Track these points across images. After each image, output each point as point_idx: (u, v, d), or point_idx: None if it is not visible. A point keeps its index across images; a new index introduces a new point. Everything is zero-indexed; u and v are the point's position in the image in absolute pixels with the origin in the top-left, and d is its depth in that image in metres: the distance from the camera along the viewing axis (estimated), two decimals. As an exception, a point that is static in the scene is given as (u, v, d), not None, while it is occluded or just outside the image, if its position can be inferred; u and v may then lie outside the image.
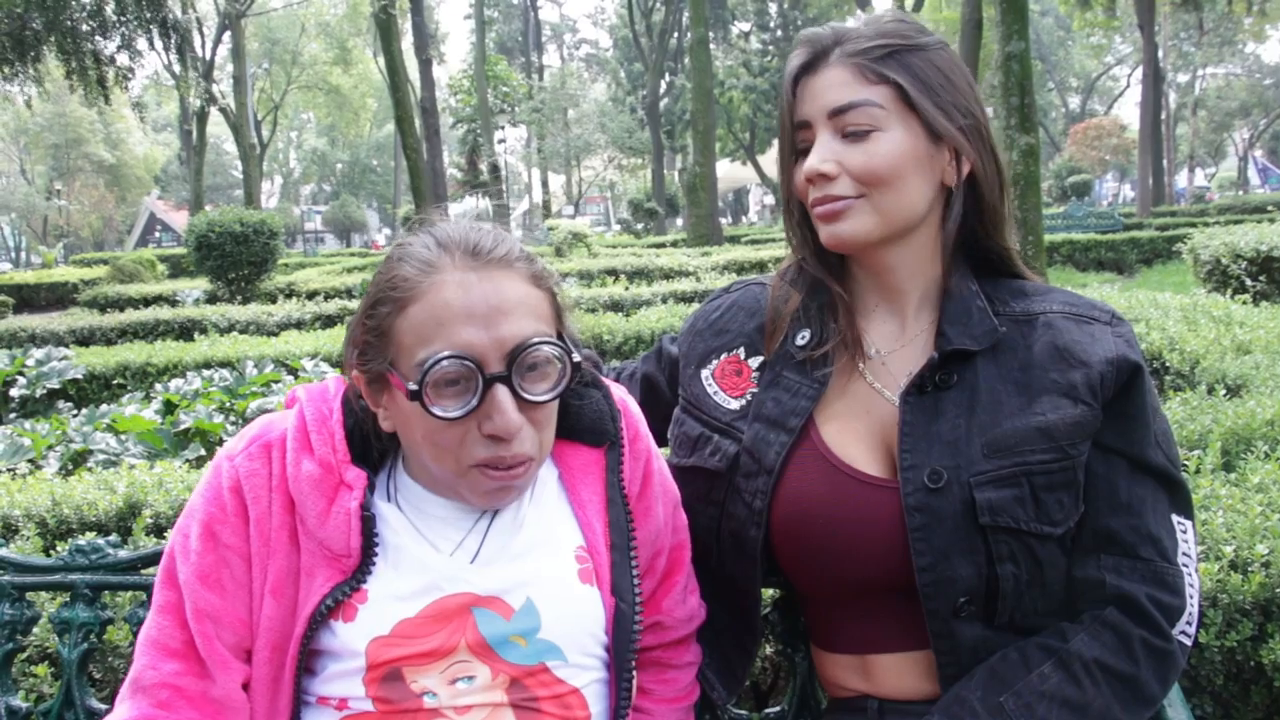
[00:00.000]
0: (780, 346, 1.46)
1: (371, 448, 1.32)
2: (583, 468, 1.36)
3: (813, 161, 1.36)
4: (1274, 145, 62.24)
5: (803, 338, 1.44)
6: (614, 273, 14.17)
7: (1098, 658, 1.26)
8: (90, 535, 2.29)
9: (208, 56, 40.02)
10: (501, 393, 1.17)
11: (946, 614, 1.29)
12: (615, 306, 9.34)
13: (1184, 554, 1.32)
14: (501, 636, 1.23)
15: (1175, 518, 1.33)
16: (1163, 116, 39.49)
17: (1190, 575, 1.32)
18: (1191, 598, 1.31)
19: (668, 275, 13.92)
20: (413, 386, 1.15)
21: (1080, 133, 50.94)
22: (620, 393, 1.43)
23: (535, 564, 1.27)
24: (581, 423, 1.37)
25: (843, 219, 1.36)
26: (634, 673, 1.34)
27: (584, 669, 1.29)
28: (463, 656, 1.22)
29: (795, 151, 1.41)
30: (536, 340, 1.18)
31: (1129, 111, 66.64)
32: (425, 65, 27.59)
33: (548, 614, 1.25)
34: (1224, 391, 3.36)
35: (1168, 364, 4.15)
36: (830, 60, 1.36)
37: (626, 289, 10.74)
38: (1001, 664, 1.28)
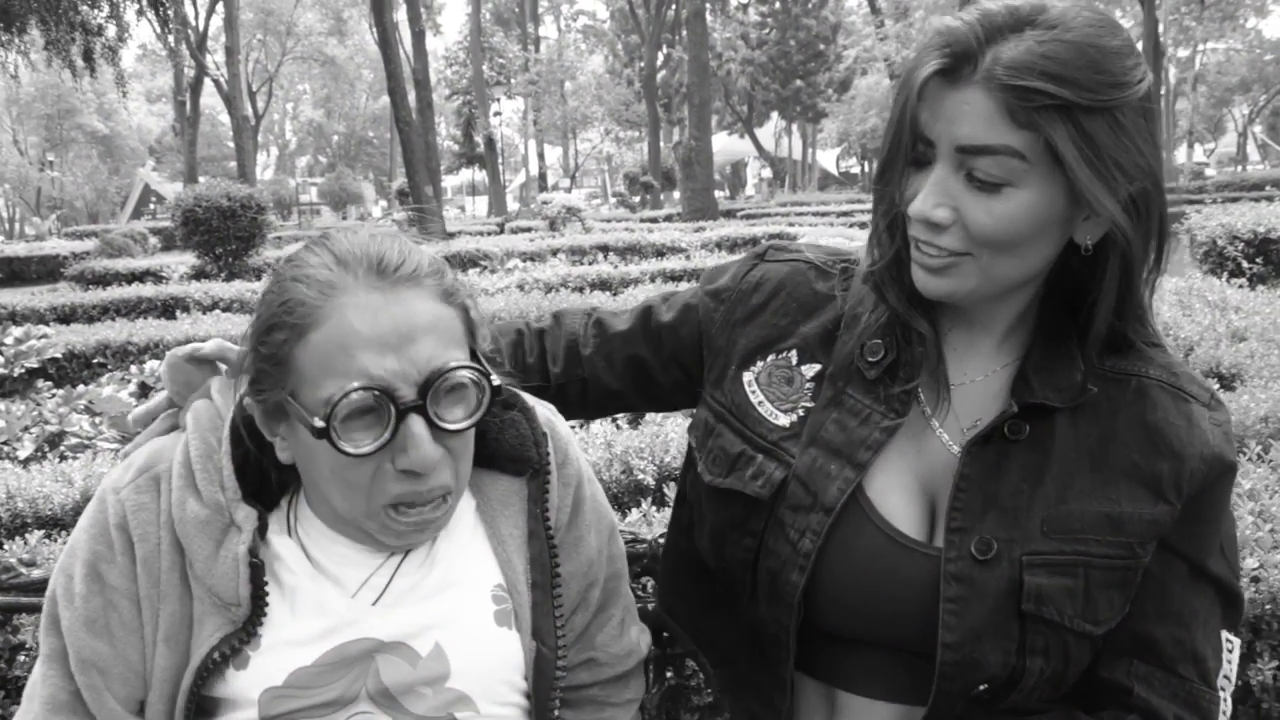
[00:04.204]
0: (844, 356, 1.23)
1: (270, 479, 1.20)
2: (502, 499, 1.25)
3: (923, 206, 1.07)
4: (1274, 121, 61.92)
5: (874, 352, 1.21)
6: (605, 249, 14.08)
7: None
8: (40, 533, 2.22)
9: (201, 27, 39.70)
10: (416, 424, 1.06)
11: (957, 696, 1.13)
12: (603, 285, 9.25)
13: (1224, 675, 1.17)
14: (406, 686, 1.13)
15: (1225, 634, 1.18)
16: (1162, 91, 39.27)
17: (1225, 701, 1.17)
18: None
19: (660, 252, 13.83)
20: (319, 424, 1.03)
21: (1080, 107, 50.35)
22: (546, 413, 1.31)
23: (446, 605, 1.17)
24: (501, 449, 1.25)
25: (942, 275, 1.11)
26: None
27: (498, 719, 1.19)
28: (363, 708, 1.12)
29: (912, 160, 1.11)
30: (453, 366, 1.07)
31: (1129, 86, 66.09)
32: (419, 37, 27.35)
33: (457, 660, 1.15)
34: (1217, 383, 3.27)
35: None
36: (975, 78, 1.02)
37: (615, 267, 10.65)
38: None
